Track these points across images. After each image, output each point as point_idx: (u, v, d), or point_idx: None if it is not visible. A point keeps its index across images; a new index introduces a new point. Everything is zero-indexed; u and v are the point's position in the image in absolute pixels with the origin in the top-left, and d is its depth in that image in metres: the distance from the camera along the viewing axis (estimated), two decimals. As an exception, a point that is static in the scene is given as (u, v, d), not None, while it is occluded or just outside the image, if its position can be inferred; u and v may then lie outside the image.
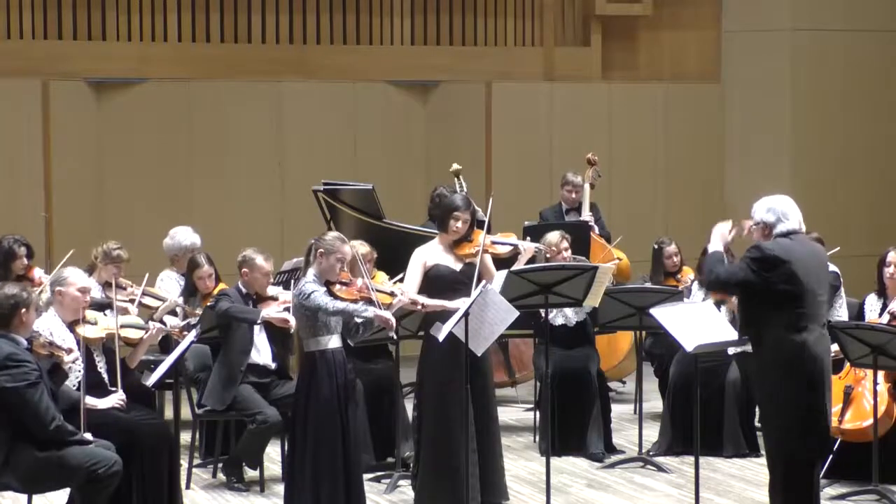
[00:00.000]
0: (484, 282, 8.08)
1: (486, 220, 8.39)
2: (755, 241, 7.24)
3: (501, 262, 8.62)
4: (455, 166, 11.79)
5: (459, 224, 8.36)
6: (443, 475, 8.27)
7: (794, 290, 7.00)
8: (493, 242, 8.54)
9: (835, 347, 8.47)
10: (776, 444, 7.17)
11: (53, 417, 7.11)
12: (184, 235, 10.53)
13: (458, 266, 8.37)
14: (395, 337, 8.08)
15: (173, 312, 9.89)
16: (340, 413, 7.58)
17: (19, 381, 7.04)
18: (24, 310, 7.22)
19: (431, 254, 8.40)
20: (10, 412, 7.10)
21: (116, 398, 7.73)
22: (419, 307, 8.13)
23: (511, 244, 8.63)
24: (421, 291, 8.29)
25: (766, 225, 7.18)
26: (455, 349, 7.97)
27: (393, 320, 7.59)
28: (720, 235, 7.39)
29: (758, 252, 7.04)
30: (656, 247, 10.89)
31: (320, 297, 7.47)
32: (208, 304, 9.58)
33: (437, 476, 8.32)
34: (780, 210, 7.18)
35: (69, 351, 7.46)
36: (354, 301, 7.81)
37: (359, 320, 7.57)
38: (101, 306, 8.76)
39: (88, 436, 7.31)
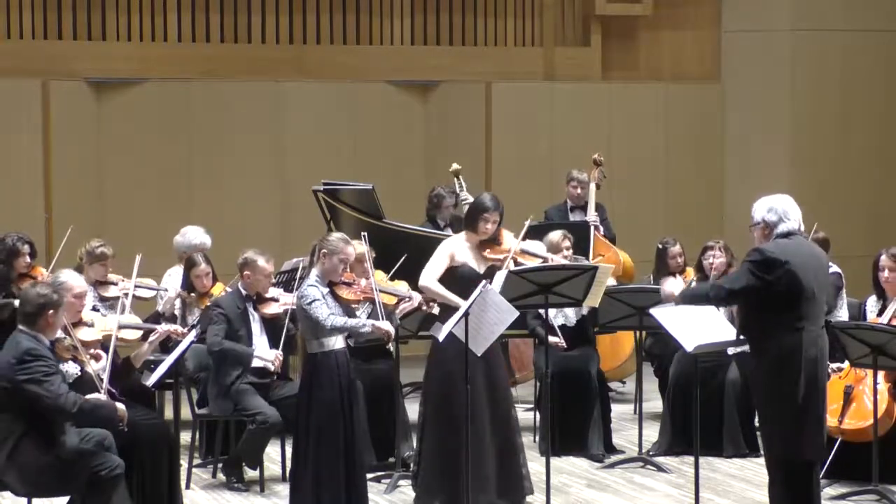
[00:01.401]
0: (484, 282, 8.09)
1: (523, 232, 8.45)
2: (756, 240, 7.24)
3: None
4: (455, 166, 11.79)
5: (489, 225, 8.40)
6: (446, 474, 8.29)
7: (794, 291, 7.00)
8: (525, 252, 8.54)
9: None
10: (774, 445, 7.17)
11: (74, 401, 7.13)
12: (194, 234, 10.53)
13: (481, 268, 8.40)
14: (391, 348, 8.11)
15: (173, 318, 9.88)
16: (343, 413, 7.60)
17: (35, 373, 7.07)
18: (51, 311, 7.23)
19: (460, 250, 8.43)
20: (27, 406, 7.11)
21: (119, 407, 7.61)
22: (425, 308, 8.13)
23: (542, 256, 8.63)
24: (441, 282, 8.30)
25: (766, 224, 7.18)
26: (458, 353, 7.98)
27: (392, 331, 7.62)
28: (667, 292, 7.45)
29: (758, 255, 7.04)
30: (660, 246, 10.85)
31: (320, 309, 7.47)
32: (207, 304, 9.58)
33: (440, 475, 8.33)
34: (781, 209, 7.17)
35: (97, 357, 7.47)
36: (358, 301, 7.81)
37: (359, 335, 7.60)
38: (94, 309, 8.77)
39: (120, 406, 7.30)
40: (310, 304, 7.49)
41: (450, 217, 11.52)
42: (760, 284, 6.99)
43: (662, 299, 7.63)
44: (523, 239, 8.59)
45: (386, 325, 7.59)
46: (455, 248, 8.43)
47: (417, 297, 7.99)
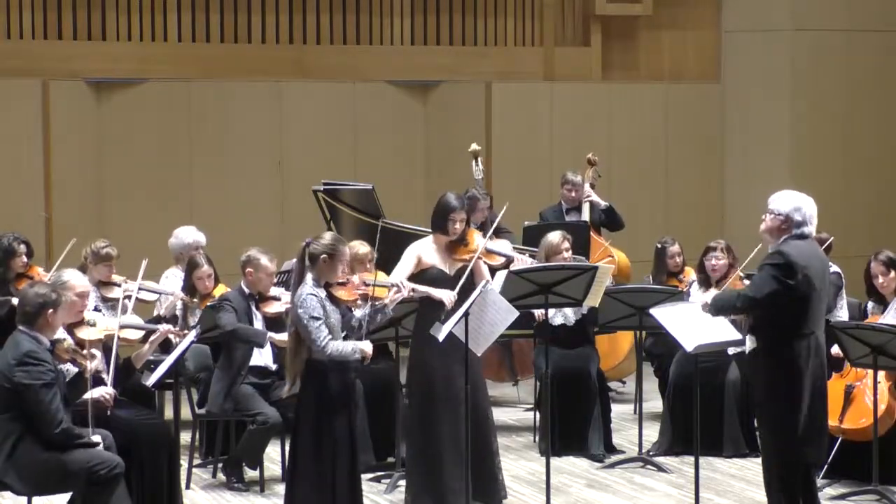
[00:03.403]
0: (484, 281, 8.08)
1: (492, 227, 8.41)
2: (764, 228, 7.17)
3: (492, 270, 8.60)
4: (474, 146, 11.76)
5: (457, 225, 8.36)
6: (424, 472, 8.31)
7: (808, 295, 6.99)
8: (490, 251, 8.50)
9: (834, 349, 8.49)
10: (775, 445, 7.15)
11: (61, 420, 7.12)
12: (186, 234, 10.53)
13: (451, 270, 8.37)
14: (365, 362, 8.00)
15: (174, 319, 9.87)
16: (350, 412, 7.60)
17: (35, 380, 7.07)
18: (50, 311, 7.23)
19: (427, 252, 8.39)
20: (26, 406, 7.12)
21: (104, 390, 7.54)
22: (412, 293, 8.10)
23: (506, 255, 8.59)
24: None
25: (788, 220, 7.11)
26: (441, 350, 7.98)
27: (370, 352, 7.55)
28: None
29: (781, 258, 6.98)
30: (659, 246, 10.84)
31: (320, 331, 7.36)
32: (208, 304, 9.58)
33: (421, 474, 8.35)
34: (807, 213, 7.13)
35: (92, 357, 7.45)
36: (355, 300, 7.78)
37: (355, 356, 7.54)
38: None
39: (97, 438, 7.31)
40: (309, 320, 7.41)
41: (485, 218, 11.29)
42: (783, 289, 6.95)
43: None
44: (491, 238, 8.55)
45: (368, 347, 7.54)
46: (423, 251, 8.39)
47: (409, 286, 7.99)
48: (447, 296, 8.15)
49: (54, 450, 7.17)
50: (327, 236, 7.74)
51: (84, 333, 7.73)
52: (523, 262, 8.65)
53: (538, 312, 9.53)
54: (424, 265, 8.34)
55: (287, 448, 9.22)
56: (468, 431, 8.05)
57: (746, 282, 10.04)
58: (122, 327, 7.89)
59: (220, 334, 9.10)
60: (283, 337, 9.09)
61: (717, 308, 7.30)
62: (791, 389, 7.00)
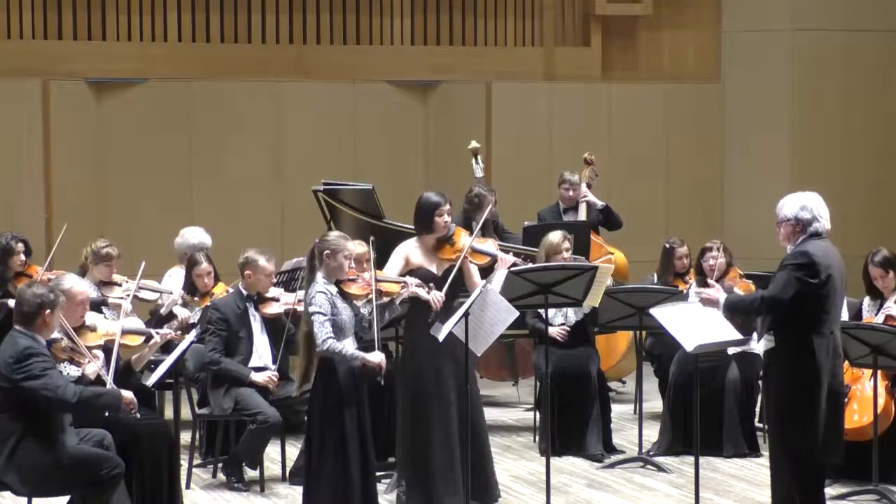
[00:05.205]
0: (484, 281, 8.09)
1: (478, 226, 8.40)
2: (781, 238, 7.15)
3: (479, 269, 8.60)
4: (474, 144, 11.73)
5: (446, 217, 8.35)
6: (415, 473, 8.33)
7: (830, 296, 6.97)
8: (476, 250, 8.47)
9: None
10: (791, 448, 7.09)
11: (75, 392, 7.13)
12: (192, 234, 10.50)
13: (438, 270, 8.37)
14: (381, 382, 7.97)
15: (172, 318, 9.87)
16: (358, 407, 7.62)
17: (33, 370, 7.06)
18: (48, 311, 7.22)
19: (414, 253, 8.38)
20: (26, 406, 7.11)
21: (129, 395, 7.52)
22: (426, 291, 8.10)
23: (490, 254, 8.57)
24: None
25: (799, 222, 7.08)
26: (432, 349, 8.00)
27: (384, 363, 7.57)
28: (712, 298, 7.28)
29: (804, 258, 6.94)
30: (667, 246, 10.75)
31: (323, 327, 7.45)
32: (207, 304, 9.58)
33: (413, 473, 8.35)
34: (815, 209, 7.11)
35: (95, 358, 7.45)
36: (367, 295, 7.80)
37: (353, 362, 7.56)
38: (97, 305, 8.74)
39: (126, 393, 7.34)
40: (315, 315, 7.47)
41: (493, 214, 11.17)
42: (807, 289, 6.92)
43: (702, 304, 7.42)
44: (476, 237, 8.54)
45: (377, 358, 7.56)
46: (410, 252, 8.38)
47: (414, 281, 8.01)
48: (434, 297, 8.13)
49: (55, 451, 7.17)
50: (331, 234, 7.82)
51: (85, 338, 7.73)
52: (508, 261, 8.63)
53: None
54: (412, 266, 8.35)
55: (288, 448, 9.28)
56: (468, 432, 8.05)
57: (747, 281, 10.07)
58: (123, 332, 7.87)
59: (205, 367, 9.13)
60: (264, 378, 9.07)
61: (732, 310, 7.22)
62: (810, 391, 6.96)
